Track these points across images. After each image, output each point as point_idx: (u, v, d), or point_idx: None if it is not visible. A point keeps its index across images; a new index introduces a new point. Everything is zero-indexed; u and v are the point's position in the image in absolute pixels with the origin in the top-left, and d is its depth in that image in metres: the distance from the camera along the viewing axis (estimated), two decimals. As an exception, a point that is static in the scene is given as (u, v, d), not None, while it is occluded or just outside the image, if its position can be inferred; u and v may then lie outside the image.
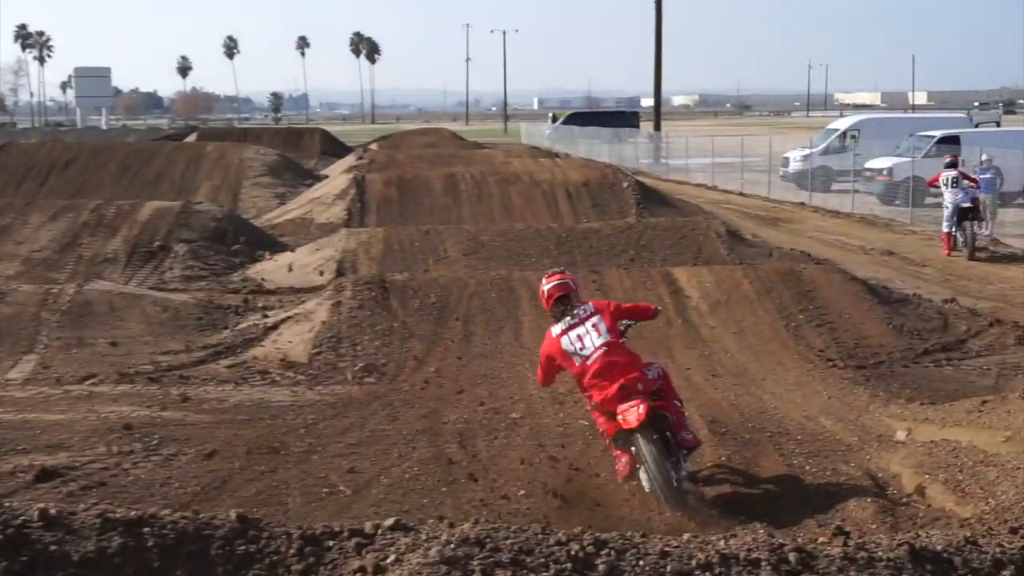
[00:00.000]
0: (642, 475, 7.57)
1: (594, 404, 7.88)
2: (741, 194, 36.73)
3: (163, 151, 39.77)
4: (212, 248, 21.26)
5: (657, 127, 57.80)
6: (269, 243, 23.30)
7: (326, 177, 38.53)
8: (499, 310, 14.16)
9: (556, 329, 8.13)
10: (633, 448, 7.58)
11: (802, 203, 33.04)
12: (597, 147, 62.67)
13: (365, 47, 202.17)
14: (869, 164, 32.58)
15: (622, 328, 8.20)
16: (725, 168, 42.87)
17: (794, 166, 37.65)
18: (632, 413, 7.46)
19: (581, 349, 7.92)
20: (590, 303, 8.30)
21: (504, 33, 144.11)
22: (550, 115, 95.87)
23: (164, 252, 20.75)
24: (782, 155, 39.13)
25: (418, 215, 26.40)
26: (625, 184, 27.91)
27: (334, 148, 60.55)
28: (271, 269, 19.71)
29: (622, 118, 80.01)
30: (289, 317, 14.47)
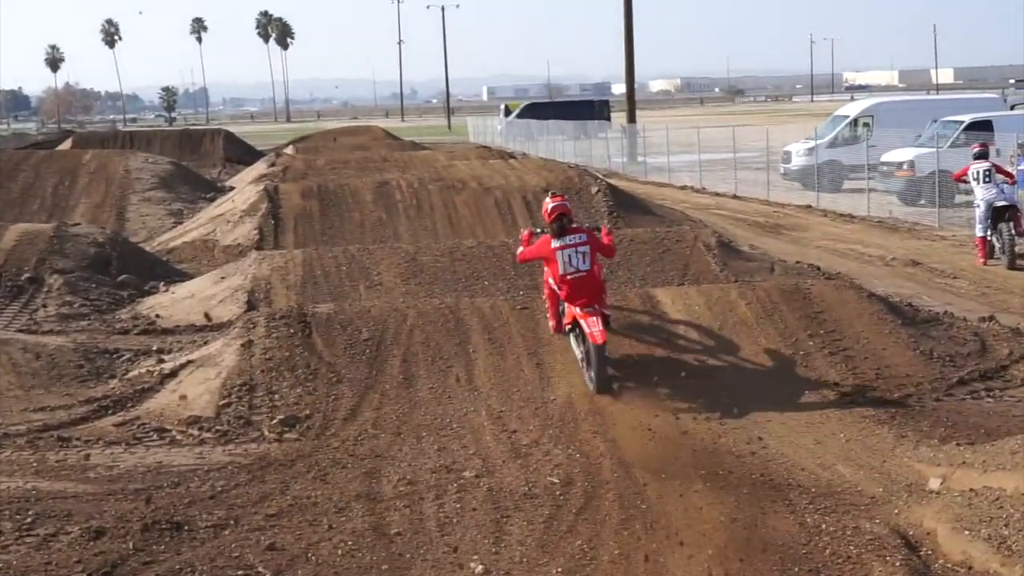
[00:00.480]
0: (586, 373, 12.80)
1: (559, 293, 13.23)
2: (735, 197, 37.04)
3: (30, 162, 39.45)
4: (93, 279, 21.13)
5: (631, 118, 58.17)
6: (163, 272, 23.16)
7: (232, 189, 38.38)
8: (446, 346, 14.14)
9: (555, 242, 13.11)
10: (578, 342, 13.14)
11: (808, 206, 33.35)
12: (560, 144, 62.95)
13: (275, 30, 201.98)
14: (886, 157, 32.93)
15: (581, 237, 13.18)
16: (715, 166, 43.20)
17: (797, 161, 38.02)
18: (597, 332, 12.52)
19: (568, 264, 12.96)
20: (584, 232, 13.23)
21: (443, 9, 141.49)
22: (502, 107, 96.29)
23: (34, 286, 20.59)
24: (782, 149, 39.52)
25: (344, 233, 26.34)
26: (595, 189, 28.05)
27: (241, 153, 60.47)
28: (167, 303, 19.59)
29: (589, 109, 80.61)
30: (190, 362, 14.38)
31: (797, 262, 22.17)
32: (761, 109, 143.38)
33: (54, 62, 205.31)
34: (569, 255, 13.00)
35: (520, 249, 13.95)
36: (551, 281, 13.41)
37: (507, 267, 19.64)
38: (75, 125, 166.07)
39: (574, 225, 13.39)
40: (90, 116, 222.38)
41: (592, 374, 12.59)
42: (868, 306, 15.24)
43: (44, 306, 19.54)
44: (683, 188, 40.91)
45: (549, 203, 13.47)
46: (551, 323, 13.98)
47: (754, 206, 34.33)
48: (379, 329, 14.55)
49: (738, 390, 12.95)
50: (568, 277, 12.91)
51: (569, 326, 13.26)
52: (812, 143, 37.34)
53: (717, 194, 38.21)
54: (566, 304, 13.10)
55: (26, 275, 20.96)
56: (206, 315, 18.33)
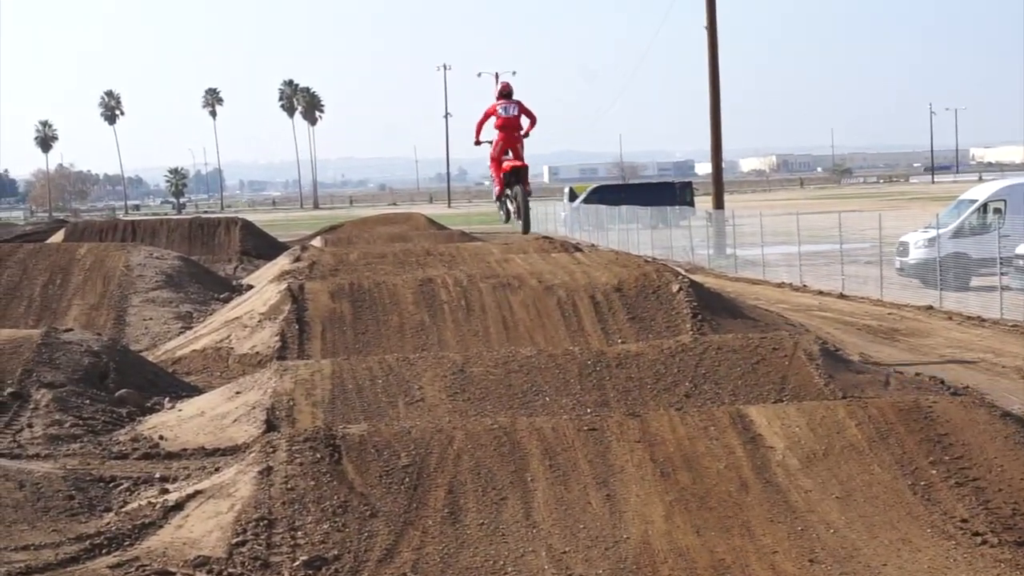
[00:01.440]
0: (510, 205, 22.27)
1: (492, 153, 21.95)
2: (842, 296, 36.90)
3: (16, 256, 39.95)
4: (87, 395, 21.27)
5: (719, 203, 58.28)
6: (168, 385, 23.31)
7: (250, 288, 38.69)
8: (500, 474, 14.13)
9: (499, 104, 21.55)
10: (509, 190, 22.11)
11: (929, 307, 33.15)
12: (634, 234, 63.14)
13: (301, 102, 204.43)
14: (1022, 249, 32.76)
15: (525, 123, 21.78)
16: (818, 259, 43.11)
17: (916, 254, 37.87)
18: (516, 161, 21.63)
19: (504, 111, 21.37)
20: (515, 104, 21.71)
21: (496, 76, 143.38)
22: (566, 190, 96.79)
23: (19, 402, 20.72)
24: (898, 239, 39.39)
25: (381, 339, 26.45)
26: (676, 287, 28.06)
27: (261, 246, 61.03)
28: (172, 423, 19.70)
29: (669, 192, 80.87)
30: (199, 492, 14.44)
31: (916, 374, 21.99)
32: (872, 192, 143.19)
33: (45, 141, 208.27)
34: (504, 107, 21.60)
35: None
36: (494, 152, 22.07)
37: (572, 381, 19.65)
38: (69, 213, 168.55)
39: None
40: (86, 203, 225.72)
41: (523, 220, 22.06)
42: (1002, 428, 15.08)
43: (30, 426, 19.63)
44: (780, 286, 40.82)
45: (499, 86, 22.43)
46: (495, 189, 22.89)
47: (865, 307, 34.16)
48: (421, 454, 14.56)
49: (847, 528, 12.83)
50: (502, 118, 21.56)
51: (504, 189, 22.46)
52: (933, 232, 37.17)
53: (821, 293, 38.09)
54: (505, 165, 22.07)
55: (9, 389, 21.08)
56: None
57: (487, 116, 21.82)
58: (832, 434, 14.84)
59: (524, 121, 21.92)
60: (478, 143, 22.40)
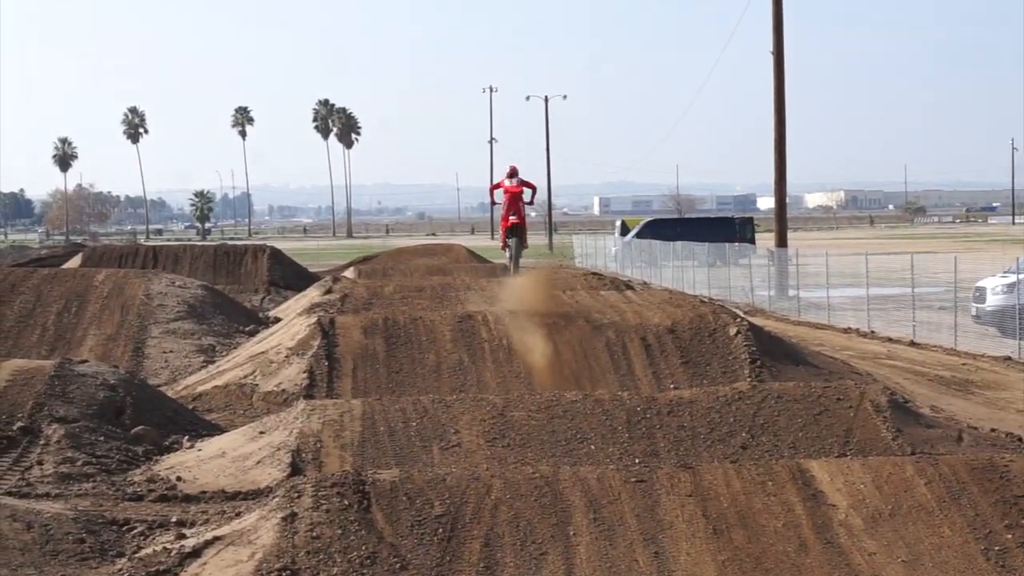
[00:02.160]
0: (506, 255, 33.72)
1: (502, 213, 33.17)
2: (912, 344, 36.72)
3: (29, 282, 40.17)
4: (101, 431, 21.33)
5: (782, 241, 58.17)
6: (188, 423, 23.37)
7: (277, 321, 38.82)
8: (540, 527, 14.10)
9: (506, 179, 32.58)
10: (509, 241, 32.83)
11: (1007, 357, 32.95)
12: (690, 272, 63.05)
13: (337, 123, 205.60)
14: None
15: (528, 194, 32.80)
16: (887, 304, 42.96)
17: (993, 301, 37.66)
18: (516, 219, 32.47)
19: (510, 182, 32.12)
20: (519, 179, 32.57)
21: (546, 100, 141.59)
22: (618, 224, 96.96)
23: (29, 437, 20.79)
24: (974, 284, 39.20)
25: (416, 379, 26.46)
26: (733, 330, 27.98)
27: (290, 276, 61.26)
28: (191, 463, 19.76)
29: (728, 228, 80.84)
30: (218, 538, 14.46)
31: (992, 430, 21.85)
32: (947, 232, 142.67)
33: (64, 159, 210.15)
34: (511, 180, 30.43)
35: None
36: (503, 211, 32.11)
37: (619, 428, 19.60)
38: (87, 237, 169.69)
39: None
40: (106, 226, 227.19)
41: (513, 264, 29.34)
42: (1085, 490, 14.96)
43: (40, 463, 19.70)
44: (846, 331, 40.65)
45: (508, 171, 31.35)
46: (501, 239, 33.16)
47: (937, 356, 33.98)
48: (456, 503, 14.55)
49: (914, 595, 12.74)
50: (509, 191, 30.45)
51: (507, 239, 32.18)
52: (1013, 278, 36.98)
53: (890, 340, 37.90)
54: (508, 222, 31.87)
55: (19, 424, 21.13)
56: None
57: (497, 186, 33.74)
58: (899, 493, 14.74)
59: (527, 191, 33.06)
60: (493, 204, 35.95)
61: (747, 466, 15.97)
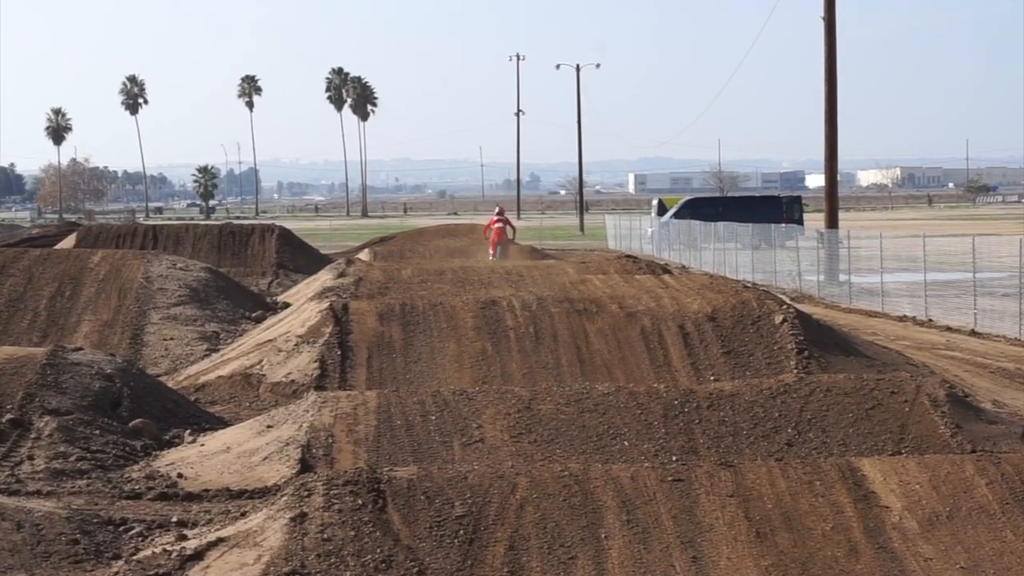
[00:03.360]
0: (492, 259, 51.16)
1: (489, 232, 55.00)
2: (973, 333, 36.61)
3: (20, 263, 40.28)
4: (97, 424, 21.37)
5: (832, 222, 57.96)
6: (190, 416, 23.41)
7: (286, 306, 38.84)
8: (569, 529, 14.10)
9: (495, 215, 55.16)
10: (495, 249, 53.45)
11: (1076, 348, 32.81)
12: (732, 255, 62.93)
13: (352, 93, 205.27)
14: None
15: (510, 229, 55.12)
16: (947, 290, 42.80)
17: (1062, 286, 37.50)
18: (495, 239, 54.02)
19: (497, 217, 54.58)
20: (504, 219, 54.86)
21: (577, 69, 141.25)
22: (654, 203, 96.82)
23: (19, 430, 20.84)
24: (1042, 268, 39.02)
25: (435, 369, 26.49)
26: (779, 318, 27.95)
27: (300, 258, 61.31)
28: (193, 459, 19.81)
29: (773, 207, 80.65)
30: (222, 540, 14.49)
31: (1060, 426, 21.75)
32: (1012, 213, 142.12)
33: (57, 131, 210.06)
34: (496, 218, 52.63)
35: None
36: (491, 236, 52.74)
37: (655, 423, 19.60)
38: (82, 215, 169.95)
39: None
40: (102, 204, 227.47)
41: (498, 255, 50.15)
42: None
43: (31, 458, 19.75)
44: (901, 319, 40.54)
45: (495, 217, 53.89)
46: (489, 251, 52.74)
47: (1000, 347, 33.86)
48: (478, 503, 14.56)
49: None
50: (495, 226, 52.15)
51: (494, 252, 52.12)
52: (1084, 261, 36.83)
53: (949, 329, 37.79)
54: (495, 242, 52.55)
55: (8, 416, 21.18)
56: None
57: (488, 225, 54.95)
58: (958, 494, 14.71)
59: (508, 229, 54.28)
60: (485, 236, 55.25)
61: (793, 464, 15.96)
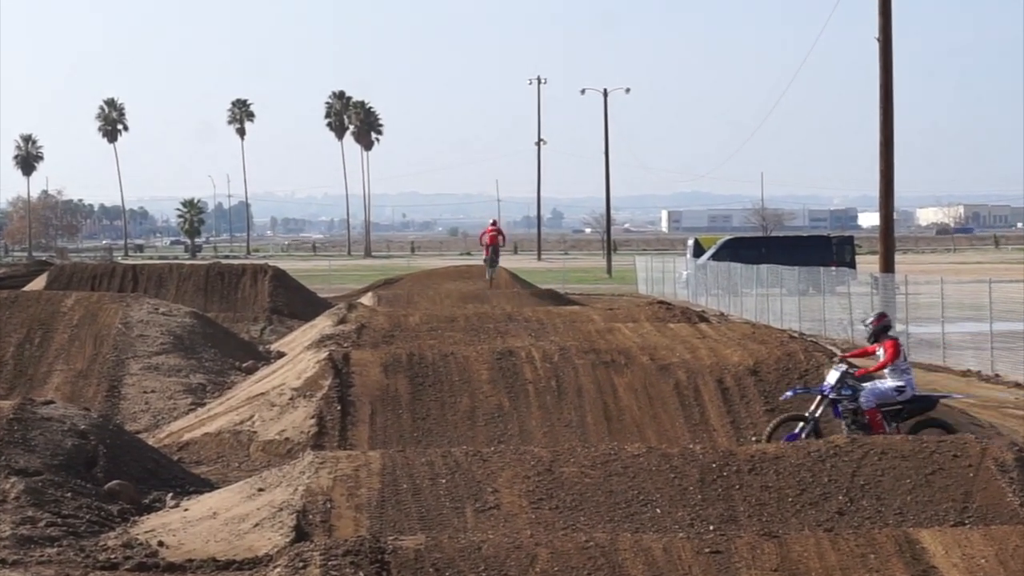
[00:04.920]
0: (488, 268, 66.93)
1: (484, 237, 68.59)
2: (1046, 391, 36.55)
3: (-15, 308, 40.41)
4: (69, 485, 21.38)
5: (888, 265, 57.83)
6: (173, 477, 23.42)
7: (281, 356, 38.90)
8: (594, 607, 14.08)
9: (491, 224, 69.73)
10: (488, 252, 67.40)
11: None
12: (777, 302, 62.92)
13: (354, 120, 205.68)
14: None
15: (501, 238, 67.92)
16: (1016, 341, 42.70)
17: None
18: (491, 244, 67.23)
19: (492, 226, 68.63)
20: (496, 228, 67.94)
21: (605, 94, 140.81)
22: (690, 243, 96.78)
23: (-17, 493, 20.90)
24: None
25: (446, 427, 26.48)
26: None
27: (296, 302, 61.34)
28: (176, 526, 19.80)
29: (822, 249, 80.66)
30: (207, 616, 14.49)
31: None
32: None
33: (27, 160, 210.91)
34: (491, 228, 65.94)
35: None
36: (487, 241, 66.07)
37: (690, 488, 19.57)
38: (53, 253, 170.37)
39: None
40: (76, 240, 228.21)
41: (490, 272, 65.41)
42: None
43: (-5, 523, 19.79)
44: (965, 374, 40.49)
45: (490, 222, 69.23)
46: (484, 257, 67.48)
47: (1076, 406, 33.79)
48: (493, 577, 14.54)
49: None
50: (489, 233, 65.20)
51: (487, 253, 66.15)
52: None
53: (1018, 385, 37.75)
54: (488, 245, 66.04)
55: (-29, 476, 21.28)
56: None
57: (484, 233, 67.13)
58: (1029, 570, 14.68)
59: (500, 238, 66.27)
60: (481, 243, 68.62)
61: (844, 536, 15.94)
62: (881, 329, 25.44)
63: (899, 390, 24.77)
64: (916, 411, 25.07)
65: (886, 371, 25.05)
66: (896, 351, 24.96)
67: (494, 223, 70.07)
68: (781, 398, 26.29)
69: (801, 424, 24.65)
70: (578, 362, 28.97)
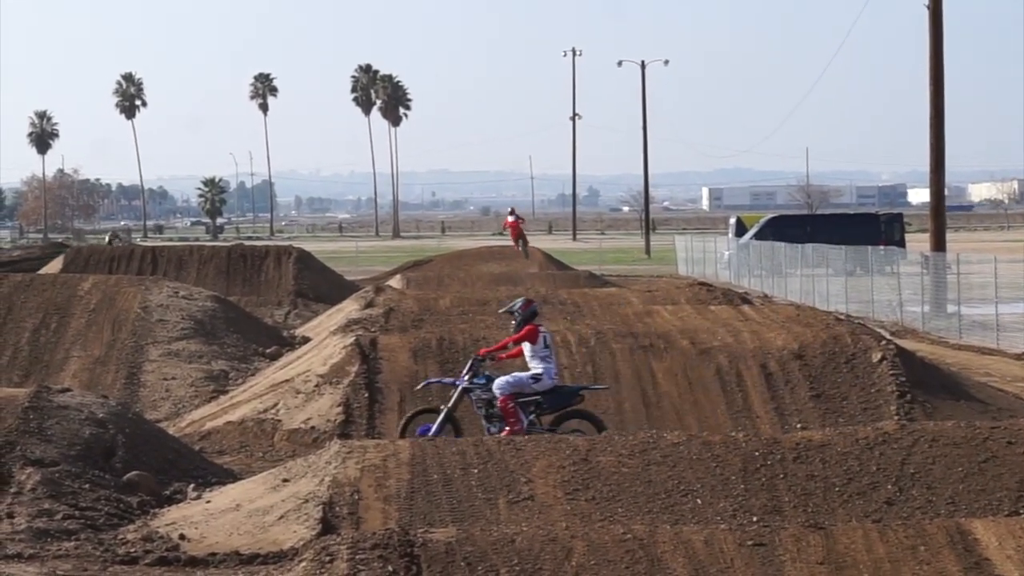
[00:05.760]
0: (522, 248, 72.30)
1: (507, 226, 75.63)
2: (1106, 375, 36.42)
3: None
4: (87, 476, 21.42)
5: (939, 244, 57.72)
6: (194, 468, 23.46)
7: (306, 341, 38.92)
8: (632, 601, 14.08)
9: (509, 217, 75.23)
10: (517, 243, 73.55)
11: None
12: (823, 282, 62.78)
13: (381, 94, 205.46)
14: None
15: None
16: (1074, 324, 42.49)
17: None
18: (516, 235, 73.55)
19: (512, 220, 73.61)
20: (516, 217, 73.50)
21: (642, 66, 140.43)
22: (732, 221, 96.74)
23: (-3, 484, 20.93)
24: None
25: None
26: (877, 355, 27.87)
27: (322, 285, 61.43)
28: (198, 518, 19.84)
29: (870, 227, 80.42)
30: (230, 612, 14.52)
31: None
32: None
33: (42, 138, 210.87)
34: (511, 219, 71.71)
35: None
36: (511, 231, 72.24)
37: (733, 478, 19.54)
38: (70, 235, 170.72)
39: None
40: (93, 221, 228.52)
41: (524, 251, 71.07)
42: None
43: (10, 515, 19.81)
44: (1020, 357, 40.35)
45: (508, 214, 74.19)
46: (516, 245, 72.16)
47: None
48: (527, 570, 14.56)
49: None
50: (510, 228, 71.22)
51: (517, 242, 72.21)
52: None
53: (1077, 369, 37.62)
54: (515, 236, 72.38)
55: (-16, 467, 21.31)
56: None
57: (505, 225, 74.67)
58: (1088, 563, 14.63)
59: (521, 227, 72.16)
60: (504, 231, 79.85)
61: (894, 527, 15.91)
62: (530, 315, 25.17)
63: (535, 378, 24.38)
64: (557, 403, 24.72)
65: (528, 358, 24.73)
66: (532, 335, 24.63)
67: (512, 212, 73.72)
68: (415, 388, 26.56)
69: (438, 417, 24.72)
70: (615, 346, 28.96)
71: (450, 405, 24.65)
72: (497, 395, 24.21)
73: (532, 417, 24.40)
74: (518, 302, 25.98)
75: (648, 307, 37.47)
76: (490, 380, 24.55)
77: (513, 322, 25.73)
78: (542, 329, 25.18)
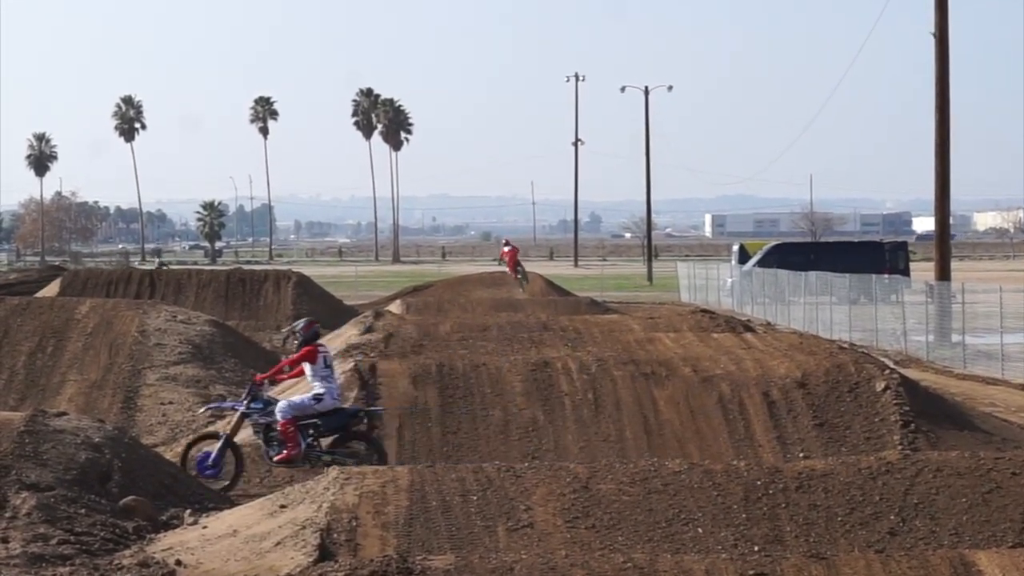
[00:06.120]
0: (521, 280, 72.65)
1: (507, 262, 76.17)
2: (1113, 407, 36.42)
3: (-4, 315, 40.50)
4: (82, 501, 21.42)
5: (944, 273, 57.79)
6: (191, 493, 23.46)
7: (303, 366, 38.94)
8: (633, 631, 14.08)
9: (505, 247, 78.69)
10: (515, 272, 73.77)
11: None
12: (826, 311, 62.87)
13: (382, 118, 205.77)
14: None
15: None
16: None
17: None
18: (511, 259, 73.87)
19: (509, 250, 76.18)
20: (512, 247, 75.74)
21: (646, 92, 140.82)
22: (735, 248, 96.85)
23: (-8, 508, 20.93)
24: None
25: (477, 441, 26.48)
26: (880, 385, 27.88)
27: (321, 310, 61.26)
28: (194, 544, 19.84)
29: (875, 255, 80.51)
30: (226, 639, 14.53)
31: None
32: None
33: (40, 161, 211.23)
34: (507, 249, 73.43)
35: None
36: (508, 263, 72.20)
37: (734, 507, 19.55)
38: (67, 258, 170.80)
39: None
40: (91, 244, 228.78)
41: (523, 281, 70.96)
42: None
43: (5, 540, 19.80)
44: (1024, 387, 40.39)
45: (503, 241, 79.69)
46: (513, 275, 72.69)
47: None
48: (526, 600, 14.55)
49: None
50: (507, 257, 72.41)
51: (516, 272, 73.10)
52: None
53: (1084, 401, 37.62)
54: (512, 266, 72.54)
55: (-20, 491, 21.32)
56: None
57: (503, 255, 73.97)
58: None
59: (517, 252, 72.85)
60: (502, 260, 77.41)
61: (896, 557, 15.92)
62: (311, 336, 25.65)
63: (317, 398, 24.96)
64: (335, 425, 25.23)
65: (309, 379, 25.28)
66: (311, 356, 25.15)
67: (507, 242, 77.28)
68: (199, 411, 27.55)
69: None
70: (616, 373, 28.97)
71: (228, 431, 25.34)
72: (279, 419, 24.76)
73: (310, 439, 25.02)
74: (300, 323, 26.48)
75: (650, 334, 37.50)
76: (268, 404, 25.22)
77: (295, 343, 26.17)
78: (322, 349, 25.76)
